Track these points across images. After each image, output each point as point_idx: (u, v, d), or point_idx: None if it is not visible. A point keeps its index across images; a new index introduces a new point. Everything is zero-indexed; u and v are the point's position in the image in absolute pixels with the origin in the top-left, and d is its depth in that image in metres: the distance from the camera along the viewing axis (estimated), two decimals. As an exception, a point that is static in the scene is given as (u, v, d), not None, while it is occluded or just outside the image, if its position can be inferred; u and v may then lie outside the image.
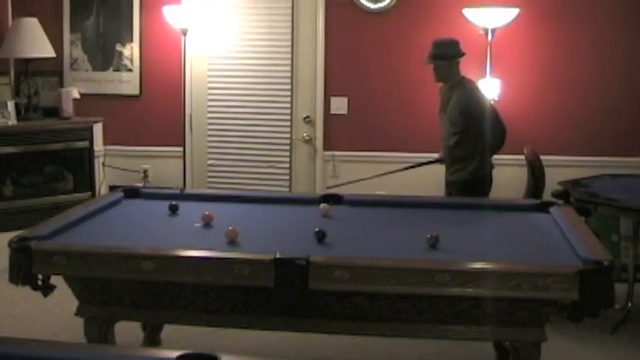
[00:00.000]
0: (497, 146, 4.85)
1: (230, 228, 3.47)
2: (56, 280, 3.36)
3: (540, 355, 3.16)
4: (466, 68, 5.87)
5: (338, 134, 6.18)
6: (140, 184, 5.37)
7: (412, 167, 5.34)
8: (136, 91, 6.44)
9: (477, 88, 4.90)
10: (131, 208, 4.07)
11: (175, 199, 4.10)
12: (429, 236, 3.34)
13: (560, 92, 5.92)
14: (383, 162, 6.11)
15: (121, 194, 4.27)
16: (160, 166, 6.42)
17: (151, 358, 2.15)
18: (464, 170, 4.83)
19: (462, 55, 4.87)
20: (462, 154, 4.82)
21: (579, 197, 4.77)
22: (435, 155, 5.20)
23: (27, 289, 3.34)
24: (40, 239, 3.31)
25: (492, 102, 4.81)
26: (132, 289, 3.33)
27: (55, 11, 6.43)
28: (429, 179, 5.96)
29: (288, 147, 6.29)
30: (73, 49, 6.49)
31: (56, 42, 6.27)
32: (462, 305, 3.14)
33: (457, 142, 4.82)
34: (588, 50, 5.87)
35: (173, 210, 3.97)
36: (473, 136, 4.76)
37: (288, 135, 6.27)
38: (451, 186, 4.94)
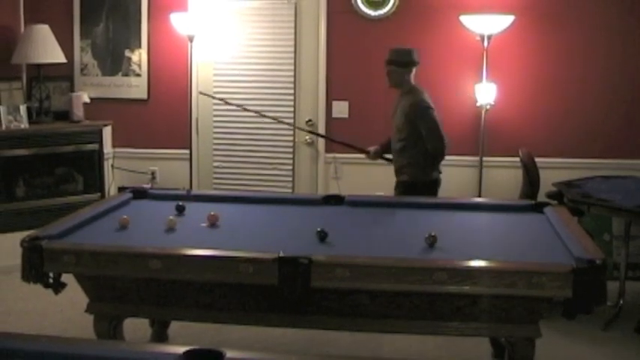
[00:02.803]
0: (437, 155, 4.71)
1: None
2: (67, 278, 3.36)
3: (535, 350, 3.16)
4: (463, 73, 5.90)
5: (339, 137, 6.18)
6: (148, 186, 5.36)
7: (344, 144, 5.38)
8: (144, 96, 6.44)
9: (424, 98, 4.77)
10: (139, 209, 4.07)
11: (182, 199, 4.11)
12: (427, 236, 3.34)
13: (554, 96, 5.91)
14: (383, 163, 6.10)
15: (130, 195, 4.27)
16: (168, 167, 6.42)
17: (159, 353, 2.15)
18: (409, 174, 4.78)
19: (416, 64, 4.80)
20: (408, 159, 4.77)
21: (573, 198, 4.77)
22: (371, 148, 5.14)
23: (39, 287, 3.34)
24: (51, 239, 3.32)
25: (437, 114, 4.70)
26: (140, 287, 3.33)
27: (66, 18, 6.43)
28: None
29: (291, 149, 6.29)
30: (83, 55, 6.50)
31: (67, 48, 6.27)
32: (459, 302, 3.14)
33: (403, 147, 4.78)
34: (581, 56, 5.86)
35: (180, 210, 3.97)
36: (417, 142, 4.69)
37: (291, 138, 6.27)
38: (399, 187, 4.87)
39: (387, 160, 5.11)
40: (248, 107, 5.80)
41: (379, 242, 3.50)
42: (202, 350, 2.11)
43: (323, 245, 3.36)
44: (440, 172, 4.84)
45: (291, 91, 6.22)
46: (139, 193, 4.33)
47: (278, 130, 6.25)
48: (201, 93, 5.98)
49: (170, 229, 3.63)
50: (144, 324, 4.18)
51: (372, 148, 5.15)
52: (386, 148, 5.07)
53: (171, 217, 3.70)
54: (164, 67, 6.38)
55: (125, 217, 3.70)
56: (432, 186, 4.76)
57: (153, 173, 6.48)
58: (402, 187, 4.83)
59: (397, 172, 4.90)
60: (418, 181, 4.74)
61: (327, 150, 6.19)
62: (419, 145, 4.69)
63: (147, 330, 4.22)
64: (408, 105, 4.71)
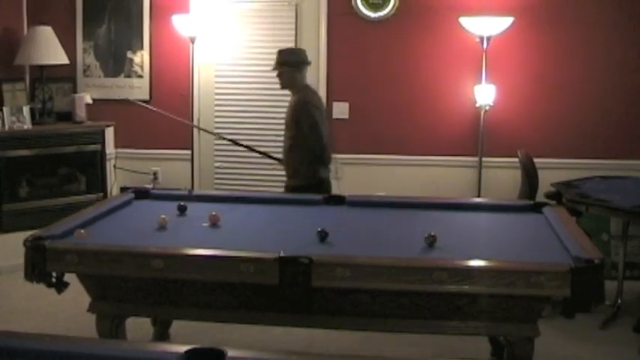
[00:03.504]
0: (319, 155, 4.66)
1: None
2: (69, 277, 3.36)
3: (534, 349, 3.16)
4: (462, 74, 5.90)
5: (339, 138, 6.17)
6: (150, 186, 5.36)
7: (259, 152, 5.34)
8: (146, 97, 6.44)
9: (313, 99, 4.76)
10: (141, 209, 4.07)
11: (184, 199, 4.10)
12: (426, 235, 3.34)
13: (552, 97, 5.91)
14: (382, 164, 6.12)
15: (132, 195, 4.27)
16: (169, 168, 6.42)
17: (161, 352, 2.15)
18: (297, 175, 4.74)
19: (306, 63, 4.79)
20: (296, 159, 4.73)
21: (571, 198, 4.77)
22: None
23: (41, 286, 3.34)
24: (53, 238, 3.32)
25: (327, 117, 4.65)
26: (142, 287, 3.33)
27: (69, 20, 6.44)
28: (428, 181, 5.98)
29: (291, 150, 6.28)
30: (85, 57, 6.50)
31: (70, 49, 6.28)
32: (459, 302, 3.14)
33: (290, 147, 4.75)
34: (580, 57, 5.87)
35: (182, 210, 3.96)
36: (304, 142, 4.65)
37: (291, 138, 6.26)
38: (288, 190, 4.81)
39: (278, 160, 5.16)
40: (249, 109, 5.79)
41: (379, 242, 3.49)
42: (204, 349, 2.10)
43: (323, 245, 3.36)
44: (328, 172, 4.80)
45: (292, 92, 6.21)
46: (141, 194, 4.32)
47: (279, 131, 6.23)
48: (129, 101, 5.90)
49: (162, 228, 3.63)
50: (146, 323, 4.18)
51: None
52: None
53: (163, 216, 3.69)
54: (166, 69, 6.38)
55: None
56: (319, 187, 4.66)
57: (155, 173, 6.49)
58: (290, 190, 4.77)
59: (286, 174, 4.87)
60: (308, 184, 4.67)
61: (328, 150, 6.19)
62: (305, 145, 4.66)
63: (149, 329, 4.21)
64: (296, 105, 4.70)
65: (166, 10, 6.19)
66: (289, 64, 4.75)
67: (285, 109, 6.20)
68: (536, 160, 5.41)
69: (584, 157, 5.86)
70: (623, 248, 4.95)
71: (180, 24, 5.95)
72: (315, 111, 4.66)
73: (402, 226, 3.81)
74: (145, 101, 6.42)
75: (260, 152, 5.28)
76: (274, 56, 6.15)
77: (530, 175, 5.26)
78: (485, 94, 5.74)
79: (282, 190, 6.13)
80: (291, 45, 6.13)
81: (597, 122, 5.88)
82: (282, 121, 6.19)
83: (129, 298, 3.37)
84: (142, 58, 6.42)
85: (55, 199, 6.12)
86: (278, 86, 6.16)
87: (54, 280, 3.32)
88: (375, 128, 6.14)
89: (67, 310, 4.64)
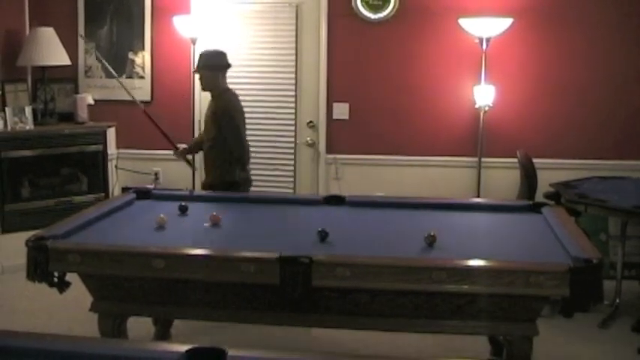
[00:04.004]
0: (239, 158, 4.68)
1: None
2: (71, 277, 3.37)
3: (532, 348, 3.16)
4: (462, 75, 5.90)
5: (340, 138, 6.18)
6: (151, 186, 5.36)
7: (162, 132, 5.37)
8: (148, 97, 6.44)
9: (234, 102, 4.77)
10: (142, 209, 4.07)
11: (185, 200, 4.10)
12: (426, 235, 3.34)
13: (551, 98, 5.91)
14: (382, 164, 6.12)
15: (133, 195, 4.27)
16: (170, 168, 6.41)
17: (162, 351, 2.15)
18: (214, 174, 4.74)
19: (226, 67, 4.77)
20: (213, 160, 4.74)
21: (570, 198, 4.77)
22: (181, 145, 5.23)
23: (44, 286, 3.34)
24: (55, 238, 3.32)
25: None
26: (143, 286, 3.33)
27: (71, 21, 6.44)
28: (427, 181, 5.98)
29: (292, 150, 6.29)
30: (87, 57, 6.51)
31: (71, 50, 6.28)
32: (458, 301, 3.14)
33: (210, 147, 4.74)
34: (578, 58, 5.86)
35: (183, 210, 3.97)
36: (223, 144, 4.65)
37: (292, 139, 6.27)
38: (205, 188, 4.80)
39: (188, 163, 5.32)
40: (250, 110, 5.77)
41: (379, 242, 3.49)
42: (204, 348, 2.11)
43: (324, 245, 3.36)
44: (247, 173, 4.82)
45: (293, 93, 6.22)
46: (143, 194, 4.33)
47: (279, 132, 6.25)
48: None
49: (160, 227, 3.63)
50: (147, 322, 4.18)
51: (181, 146, 5.22)
52: (193, 148, 5.17)
53: (162, 215, 3.69)
54: (167, 70, 6.38)
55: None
56: (235, 186, 4.67)
57: (156, 174, 6.49)
58: (207, 188, 4.77)
59: (205, 172, 4.88)
60: (221, 182, 4.69)
61: (328, 151, 6.20)
62: (224, 147, 4.66)
63: (150, 328, 4.22)
64: (216, 107, 4.70)
65: (167, 12, 6.20)
66: (209, 68, 4.73)
67: (285, 110, 6.25)
68: (535, 160, 5.41)
69: (583, 157, 5.85)
70: (621, 248, 4.95)
71: (181, 25, 5.95)
72: (237, 114, 4.72)
73: (401, 226, 3.81)
74: (145, 102, 6.42)
75: (167, 137, 5.32)
76: (275, 57, 6.20)
77: (529, 176, 5.26)
78: (484, 95, 5.74)
79: (282, 190, 6.16)
80: (292, 47, 6.13)
81: (596, 123, 5.88)
82: (283, 121, 6.23)
83: (130, 297, 3.37)
84: (143, 59, 6.42)
85: (57, 199, 6.12)
86: (278, 87, 6.21)
87: (56, 279, 3.32)
88: (374, 129, 6.13)
89: (69, 309, 4.64)
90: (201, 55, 4.80)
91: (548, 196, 5.05)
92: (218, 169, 4.73)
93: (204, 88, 4.87)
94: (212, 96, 4.82)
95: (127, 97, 5.61)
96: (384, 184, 5.96)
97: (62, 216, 3.83)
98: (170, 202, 4.09)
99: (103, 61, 5.83)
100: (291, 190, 6.23)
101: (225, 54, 4.81)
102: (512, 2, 5.76)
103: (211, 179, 4.77)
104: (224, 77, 4.79)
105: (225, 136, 4.64)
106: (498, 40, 5.68)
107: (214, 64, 4.74)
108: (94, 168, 6.31)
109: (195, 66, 4.82)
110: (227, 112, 4.68)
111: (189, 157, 5.43)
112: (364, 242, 3.49)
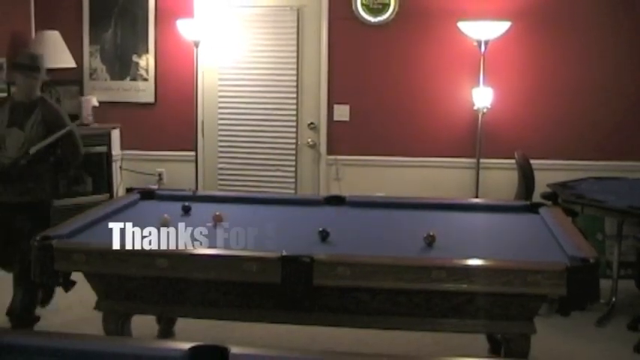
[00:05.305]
0: (68, 163, 4.61)
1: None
2: (76, 276, 3.37)
3: (530, 346, 3.16)
4: (461, 78, 5.90)
5: (340, 139, 6.18)
6: (155, 187, 5.37)
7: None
8: (152, 99, 6.44)
9: (59, 107, 4.67)
10: (146, 209, 4.07)
11: (188, 200, 4.10)
12: (425, 235, 3.34)
13: (549, 100, 5.91)
14: (382, 165, 6.11)
15: (137, 196, 4.27)
16: (174, 169, 6.42)
17: (165, 349, 2.15)
18: (41, 190, 4.51)
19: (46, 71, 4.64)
20: (43, 170, 4.50)
21: (567, 199, 4.77)
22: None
23: (49, 285, 3.35)
24: (61, 238, 3.32)
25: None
26: (147, 285, 3.33)
27: (76, 24, 6.43)
28: (427, 182, 5.97)
29: (293, 151, 6.28)
30: (92, 60, 6.50)
31: (76, 53, 6.28)
32: (457, 300, 3.14)
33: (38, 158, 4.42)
34: (575, 61, 5.86)
35: (186, 210, 3.97)
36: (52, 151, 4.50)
37: (293, 140, 6.27)
38: (14, 209, 4.41)
39: None
40: (252, 111, 5.79)
41: (379, 241, 3.49)
42: (207, 346, 2.11)
43: (324, 244, 3.36)
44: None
45: (294, 95, 6.22)
46: (147, 194, 4.33)
47: (281, 133, 6.25)
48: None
49: (163, 227, 3.62)
50: (151, 321, 4.18)
51: None
52: None
53: (165, 215, 3.69)
54: (170, 72, 6.38)
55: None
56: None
57: (160, 174, 6.48)
58: (29, 209, 4.54)
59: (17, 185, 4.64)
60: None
61: (329, 152, 6.19)
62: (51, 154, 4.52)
63: (154, 327, 4.22)
64: (48, 115, 4.49)
65: (171, 15, 6.19)
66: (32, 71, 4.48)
67: (287, 111, 6.24)
68: (532, 161, 5.41)
69: (580, 158, 5.85)
70: (617, 247, 4.95)
71: (185, 28, 5.95)
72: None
73: (401, 226, 3.82)
74: (149, 104, 6.43)
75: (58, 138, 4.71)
76: (276, 60, 6.20)
77: (526, 176, 5.26)
78: (482, 97, 5.73)
79: (283, 191, 6.15)
80: (293, 49, 6.12)
81: (592, 124, 5.87)
82: (284, 122, 6.23)
83: (134, 296, 3.37)
84: (147, 61, 6.42)
85: (62, 199, 6.10)
86: (280, 89, 6.21)
87: (61, 279, 3.32)
88: (375, 130, 6.13)
89: (74, 308, 4.64)
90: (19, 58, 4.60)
91: (545, 196, 5.04)
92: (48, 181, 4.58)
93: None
94: (30, 102, 4.49)
95: (131, 99, 5.58)
96: (384, 184, 5.96)
97: (67, 216, 3.82)
98: (173, 203, 4.09)
99: None
100: (292, 191, 6.23)
101: (41, 57, 4.61)
102: (510, 6, 5.76)
103: (41, 195, 4.54)
104: (40, 82, 4.58)
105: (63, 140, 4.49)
106: (496, 43, 5.68)
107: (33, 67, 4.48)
108: (99, 169, 6.30)
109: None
110: (62, 117, 4.56)
111: None
112: (364, 242, 3.49)
